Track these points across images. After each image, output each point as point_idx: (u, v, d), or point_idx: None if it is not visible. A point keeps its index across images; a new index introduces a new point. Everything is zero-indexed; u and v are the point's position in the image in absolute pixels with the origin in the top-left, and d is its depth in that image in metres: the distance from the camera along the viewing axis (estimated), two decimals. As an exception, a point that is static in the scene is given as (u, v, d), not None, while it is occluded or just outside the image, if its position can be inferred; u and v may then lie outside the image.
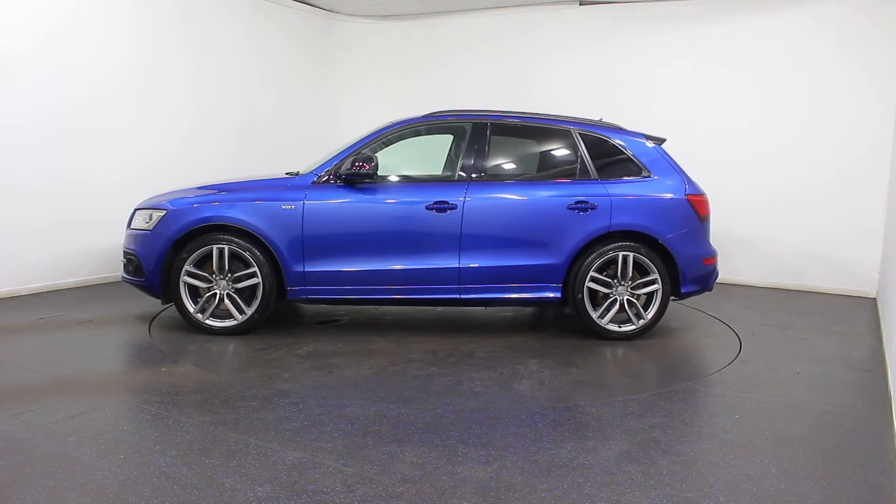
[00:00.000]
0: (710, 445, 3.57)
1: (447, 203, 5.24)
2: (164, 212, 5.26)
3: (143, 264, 5.26)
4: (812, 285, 7.69)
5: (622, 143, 5.48)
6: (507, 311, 6.33)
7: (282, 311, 6.18)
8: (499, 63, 9.05)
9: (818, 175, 7.57)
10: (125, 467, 3.04)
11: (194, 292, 5.27)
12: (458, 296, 5.31)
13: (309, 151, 7.98)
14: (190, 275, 5.19)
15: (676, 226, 5.32)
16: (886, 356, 5.04)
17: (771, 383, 4.51)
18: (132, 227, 5.45)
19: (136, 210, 5.53)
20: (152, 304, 6.12)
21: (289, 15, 9.00)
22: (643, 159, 5.44)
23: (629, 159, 5.45)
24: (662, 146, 5.56)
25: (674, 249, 5.29)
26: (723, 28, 7.93)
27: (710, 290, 5.62)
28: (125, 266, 5.50)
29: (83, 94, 6.67)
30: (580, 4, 8.57)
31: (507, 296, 5.34)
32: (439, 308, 6.31)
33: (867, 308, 6.95)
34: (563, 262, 5.27)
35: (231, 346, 5.09)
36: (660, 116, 7.76)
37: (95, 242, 6.94)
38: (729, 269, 7.52)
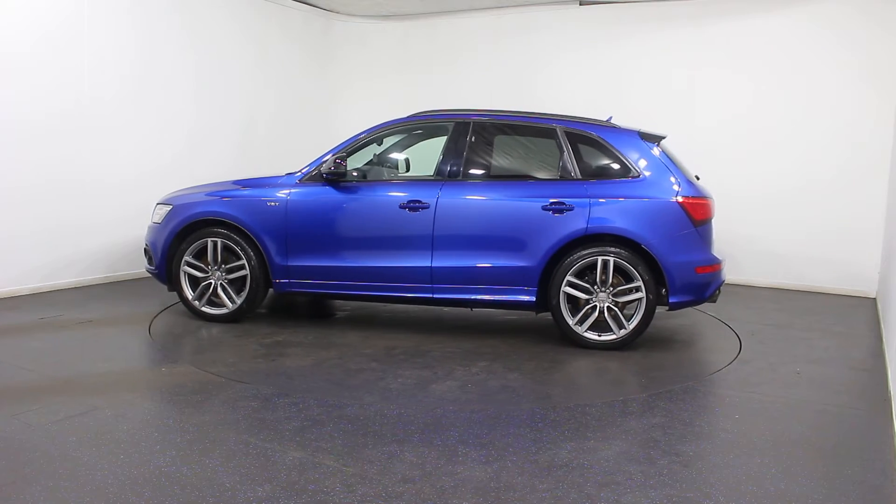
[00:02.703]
0: (710, 445, 3.57)
1: (420, 202, 5.23)
2: (171, 206, 5.72)
3: (153, 255, 5.72)
4: (812, 285, 7.69)
5: (611, 142, 5.21)
6: (513, 315, 6.28)
7: (301, 304, 6.31)
8: (499, 63, 9.05)
9: (818, 175, 7.57)
10: (125, 467, 3.04)
11: (194, 281, 5.62)
12: (431, 295, 5.29)
13: (308, 151, 7.97)
14: (189, 265, 5.58)
15: (663, 230, 4.98)
16: (886, 356, 5.04)
17: (771, 383, 4.51)
18: (152, 220, 5.88)
19: (156, 205, 5.93)
20: (152, 303, 6.15)
21: (289, 15, 9.00)
22: (633, 159, 5.13)
23: (618, 158, 5.17)
24: (660, 144, 5.29)
25: (659, 255, 4.95)
26: (723, 28, 7.93)
27: (711, 302, 5.25)
28: (145, 256, 5.94)
29: (83, 95, 6.67)
30: (580, 4, 8.57)
31: (479, 297, 5.24)
32: (445, 308, 6.27)
33: (867, 308, 6.95)
34: (537, 266, 5.07)
35: (210, 332, 5.40)
36: (659, 116, 7.76)
37: (95, 242, 6.94)
38: (729, 269, 7.52)
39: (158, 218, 5.75)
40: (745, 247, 7.82)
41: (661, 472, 3.14)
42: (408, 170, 6.15)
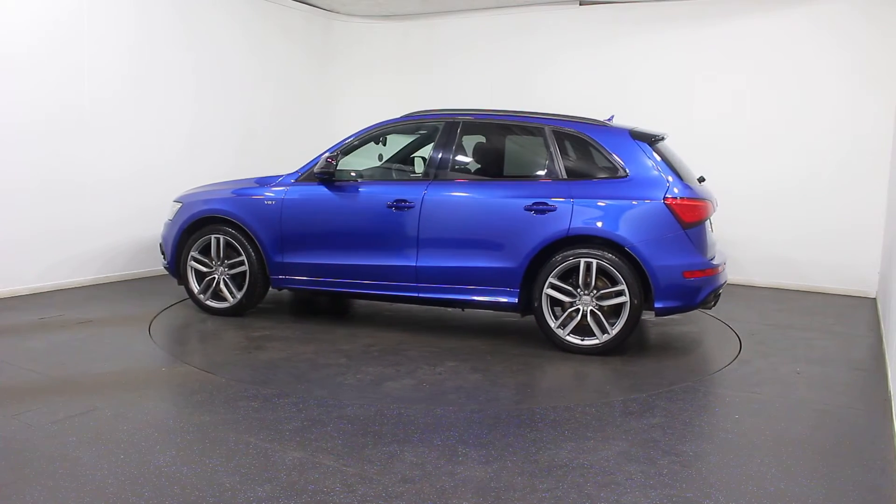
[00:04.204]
0: (710, 445, 3.57)
1: (406, 202, 5.25)
2: (181, 204, 5.97)
3: (165, 250, 5.99)
4: (812, 285, 7.68)
5: (599, 141, 5.05)
6: (510, 317, 6.21)
7: (319, 301, 6.58)
8: (498, 63, 9.04)
9: (819, 174, 7.56)
10: (125, 467, 3.04)
11: (201, 276, 5.85)
12: (416, 294, 5.30)
13: (308, 150, 7.97)
14: (195, 260, 5.81)
15: (648, 232, 4.79)
16: (886, 356, 5.04)
17: (771, 383, 4.51)
18: (167, 217, 6.09)
19: (172, 202, 6.15)
20: (152, 303, 6.15)
21: (288, 14, 9.00)
22: (621, 158, 4.96)
23: (605, 158, 5.03)
24: (654, 143, 5.09)
25: (643, 258, 4.76)
26: (722, 28, 7.93)
27: (705, 308, 5.11)
28: (160, 251, 6.19)
29: (83, 94, 6.66)
30: (580, 4, 8.56)
31: (463, 297, 5.20)
32: (449, 308, 6.23)
33: (867, 308, 6.95)
34: (519, 267, 4.98)
35: (207, 326, 5.61)
36: (660, 115, 7.74)
37: (95, 242, 6.93)
38: (729, 269, 7.51)
39: (171, 215, 5.99)
40: (746, 246, 7.82)
41: (661, 472, 3.14)
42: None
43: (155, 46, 7.31)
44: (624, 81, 8.36)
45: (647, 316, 5.28)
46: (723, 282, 5.17)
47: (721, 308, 6.27)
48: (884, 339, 5.54)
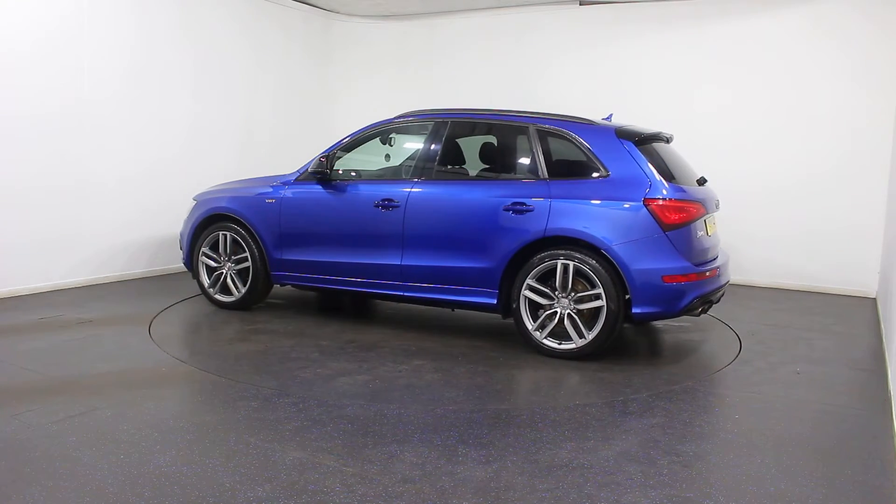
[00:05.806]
0: (710, 445, 3.57)
1: (392, 201, 5.30)
2: (195, 202, 6.27)
3: (182, 246, 6.27)
4: (812, 285, 7.68)
5: (582, 140, 4.90)
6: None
7: (335, 298, 6.65)
8: (498, 63, 9.04)
9: (818, 174, 7.56)
10: (125, 467, 3.04)
11: (211, 271, 6.09)
12: (401, 293, 5.34)
13: (308, 150, 7.97)
14: (206, 255, 6.06)
15: (626, 233, 4.61)
16: (886, 356, 5.04)
17: (771, 383, 4.51)
18: (186, 215, 6.39)
19: (192, 199, 6.44)
20: (152, 303, 6.16)
21: (288, 14, 9.00)
22: (603, 157, 4.80)
23: (587, 157, 4.87)
24: (640, 143, 4.89)
25: (619, 261, 4.59)
26: (722, 28, 7.93)
27: (691, 315, 4.89)
28: (179, 247, 6.45)
29: (83, 93, 6.66)
30: (580, 4, 8.56)
31: (444, 297, 5.19)
32: (449, 309, 6.21)
33: (867, 308, 6.95)
34: (497, 267, 4.92)
35: (210, 319, 5.83)
36: (659, 116, 7.74)
37: (95, 242, 6.93)
38: (729, 269, 7.50)
39: (188, 212, 6.28)
40: (746, 246, 7.82)
41: (661, 472, 3.14)
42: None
43: (154, 46, 7.31)
44: (624, 81, 8.36)
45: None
46: (714, 287, 4.95)
47: (721, 308, 6.27)
48: (884, 339, 5.54)
